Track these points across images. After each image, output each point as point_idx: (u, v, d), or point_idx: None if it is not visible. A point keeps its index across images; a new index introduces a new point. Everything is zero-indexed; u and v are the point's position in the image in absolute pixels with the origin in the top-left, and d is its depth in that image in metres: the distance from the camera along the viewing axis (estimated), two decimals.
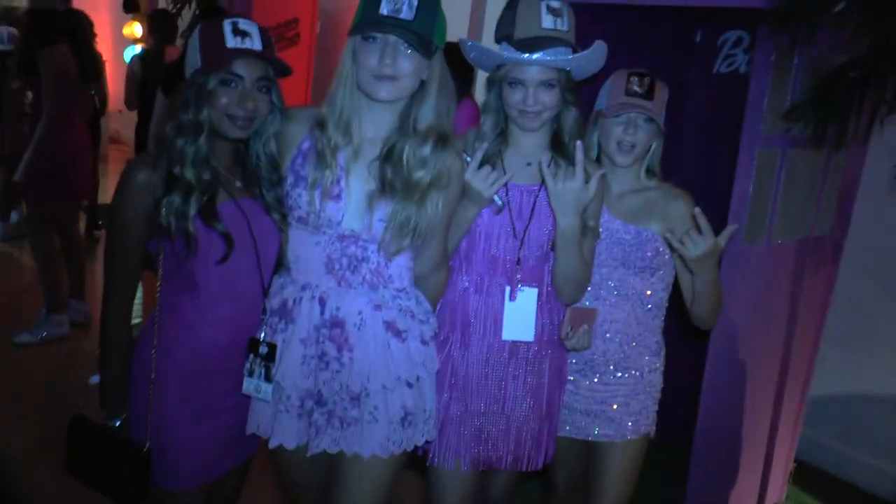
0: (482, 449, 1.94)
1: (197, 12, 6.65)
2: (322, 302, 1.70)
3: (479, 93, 3.86)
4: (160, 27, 4.91)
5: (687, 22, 3.16)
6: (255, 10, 5.46)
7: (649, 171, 2.06)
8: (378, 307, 1.71)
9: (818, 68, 2.33)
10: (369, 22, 1.58)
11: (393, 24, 1.57)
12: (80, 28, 4.08)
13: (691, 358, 2.69)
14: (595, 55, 1.81)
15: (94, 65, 4.18)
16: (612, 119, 1.97)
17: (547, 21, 1.76)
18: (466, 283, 1.91)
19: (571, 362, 2.05)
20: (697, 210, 1.84)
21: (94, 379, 1.80)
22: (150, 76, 4.72)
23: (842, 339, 3.17)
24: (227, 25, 1.62)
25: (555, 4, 1.79)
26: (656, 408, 2.10)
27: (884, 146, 2.39)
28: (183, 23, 6.67)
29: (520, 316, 1.89)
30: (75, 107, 4.04)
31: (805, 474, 3.24)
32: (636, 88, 1.95)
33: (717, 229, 2.06)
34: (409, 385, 1.74)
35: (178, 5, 6.66)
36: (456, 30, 2.07)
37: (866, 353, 3.26)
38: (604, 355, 2.03)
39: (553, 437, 2.02)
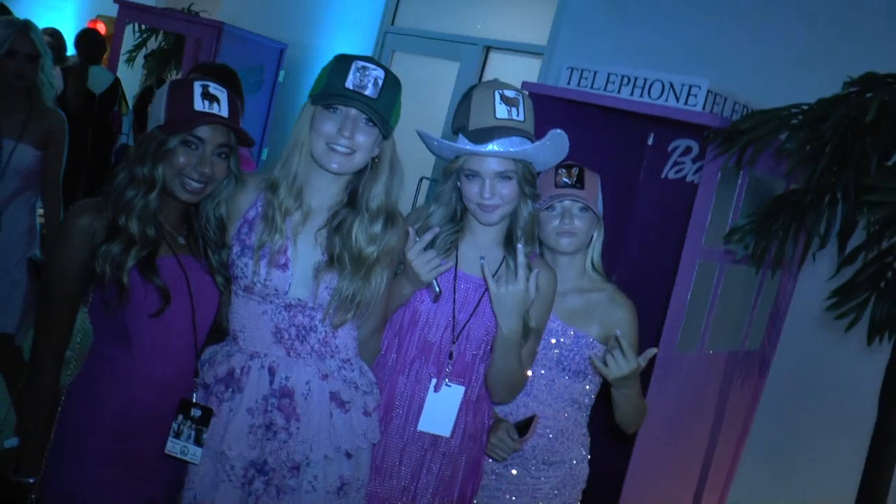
0: None
1: (164, 45, 6.68)
2: (272, 371, 1.67)
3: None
4: (87, 45, 5.01)
5: (642, 123, 3.26)
6: (222, 52, 5.48)
7: (593, 268, 2.04)
8: (325, 377, 1.69)
9: (761, 190, 2.43)
10: (334, 93, 1.59)
11: (357, 99, 1.58)
12: None
13: (616, 454, 2.68)
14: (553, 144, 1.72)
15: None
16: (546, 213, 1.95)
17: (501, 111, 1.72)
18: (396, 363, 1.86)
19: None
20: (620, 332, 1.82)
21: (9, 442, 1.68)
22: (69, 91, 4.80)
23: (766, 451, 3.22)
24: (197, 87, 1.60)
25: (510, 94, 1.73)
26: (580, 497, 2.07)
27: (815, 277, 2.48)
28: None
29: (441, 410, 1.82)
30: None
31: None
32: (565, 179, 1.95)
33: (654, 331, 2.06)
34: (349, 455, 1.72)
35: (145, 35, 6.65)
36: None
37: (789, 467, 3.31)
38: (532, 450, 2.00)
39: None
